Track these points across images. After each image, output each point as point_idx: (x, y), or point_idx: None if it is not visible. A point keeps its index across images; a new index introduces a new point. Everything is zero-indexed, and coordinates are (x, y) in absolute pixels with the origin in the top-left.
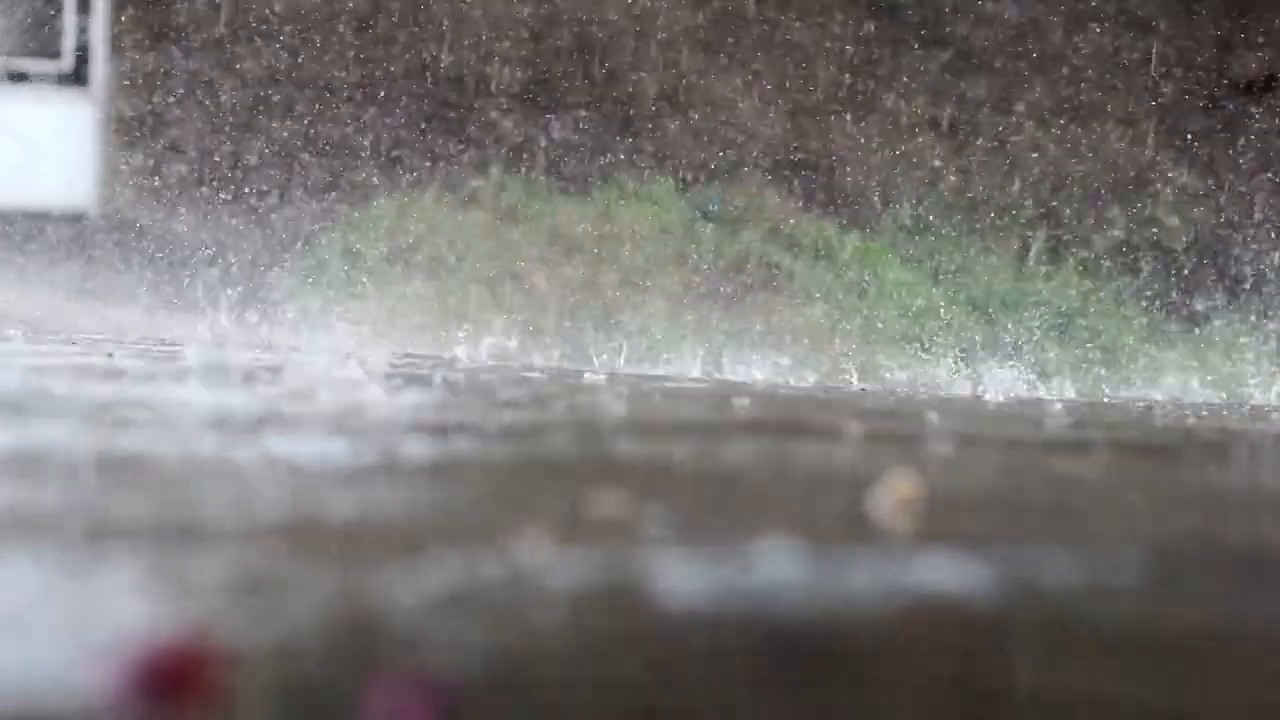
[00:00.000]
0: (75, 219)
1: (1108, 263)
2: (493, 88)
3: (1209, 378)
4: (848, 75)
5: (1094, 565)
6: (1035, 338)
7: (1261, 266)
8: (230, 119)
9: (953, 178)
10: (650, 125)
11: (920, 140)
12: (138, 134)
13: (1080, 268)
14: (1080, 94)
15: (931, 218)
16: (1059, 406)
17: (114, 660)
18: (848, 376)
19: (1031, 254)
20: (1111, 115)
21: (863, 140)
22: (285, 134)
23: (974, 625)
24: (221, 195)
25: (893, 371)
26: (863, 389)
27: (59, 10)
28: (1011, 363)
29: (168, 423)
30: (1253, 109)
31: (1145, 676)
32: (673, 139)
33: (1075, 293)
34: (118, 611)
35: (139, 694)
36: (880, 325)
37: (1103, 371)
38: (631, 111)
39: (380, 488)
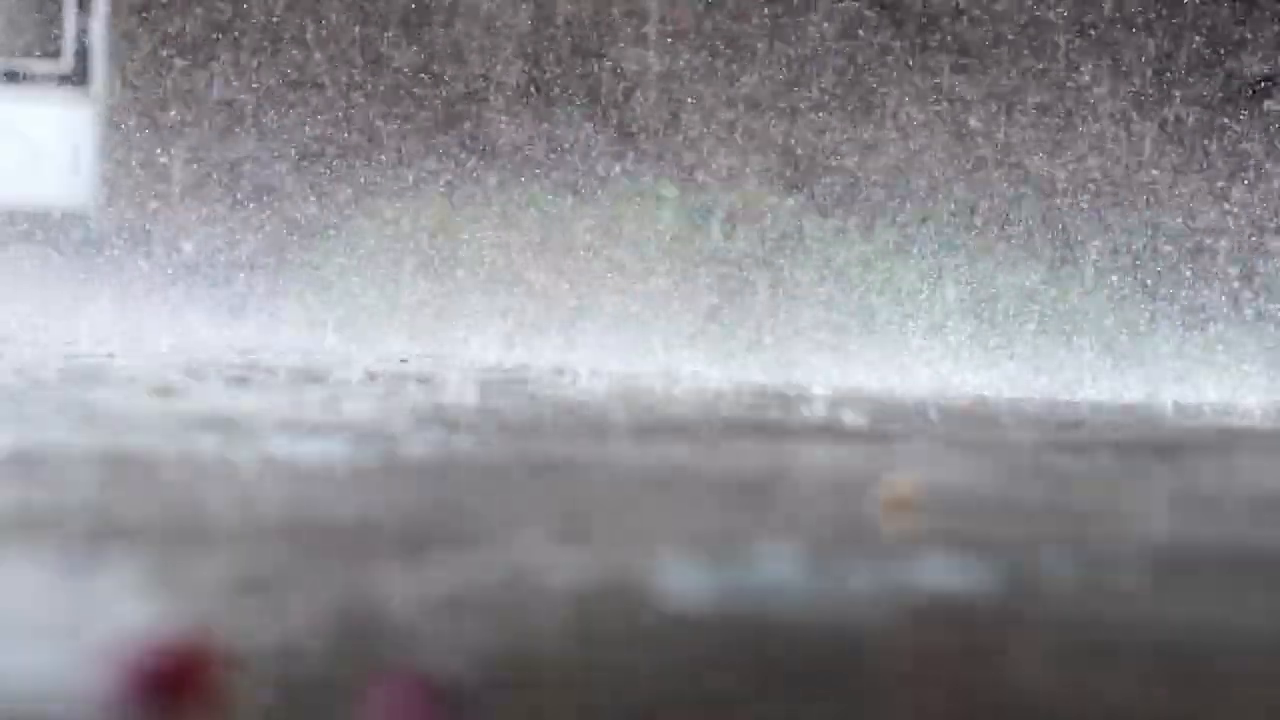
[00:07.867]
0: (75, 219)
1: (1108, 263)
2: (493, 88)
3: (1209, 378)
4: (848, 75)
5: (1094, 565)
6: (1036, 338)
7: (1262, 266)
8: (230, 119)
9: (953, 177)
10: (650, 126)
11: (921, 140)
12: (138, 134)
13: (1081, 267)
14: (1080, 94)
15: (932, 217)
16: (1059, 406)
17: (114, 661)
18: (848, 377)
19: (1032, 254)
20: (1111, 115)
21: (863, 140)
22: (285, 134)
23: (974, 625)
24: (221, 195)
25: (893, 371)
26: (863, 389)
27: (59, 10)
28: (1012, 362)
29: (168, 423)
30: (1253, 109)
31: (1145, 676)
32: (672, 140)
33: (1075, 293)
34: (118, 611)
35: (139, 694)
36: (880, 325)
37: (1102, 371)
38: (631, 112)
39: (380, 488)
